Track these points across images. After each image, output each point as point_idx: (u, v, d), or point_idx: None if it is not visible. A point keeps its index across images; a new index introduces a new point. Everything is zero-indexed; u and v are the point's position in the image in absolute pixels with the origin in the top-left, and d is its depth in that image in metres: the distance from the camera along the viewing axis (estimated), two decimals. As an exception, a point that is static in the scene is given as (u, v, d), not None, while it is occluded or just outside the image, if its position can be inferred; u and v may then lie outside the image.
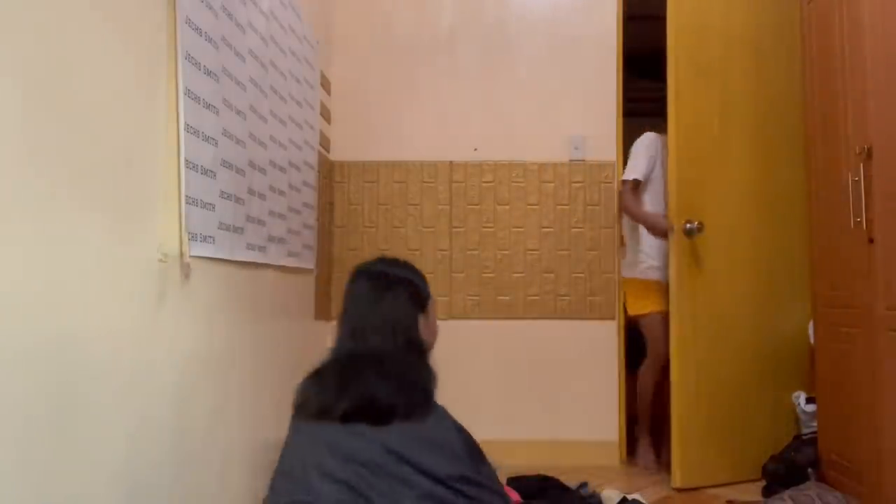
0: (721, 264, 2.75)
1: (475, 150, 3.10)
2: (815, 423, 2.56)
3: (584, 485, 2.53)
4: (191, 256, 1.47)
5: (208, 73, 1.59)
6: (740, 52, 2.88)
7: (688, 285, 2.68)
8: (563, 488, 2.36)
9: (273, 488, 1.31)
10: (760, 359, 2.79)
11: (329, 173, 3.05)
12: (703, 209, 2.70)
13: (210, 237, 1.60)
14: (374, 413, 1.24)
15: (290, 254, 2.34)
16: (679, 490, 2.60)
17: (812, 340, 2.60)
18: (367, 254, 3.04)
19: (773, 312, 2.82)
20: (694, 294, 2.69)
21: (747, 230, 2.81)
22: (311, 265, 2.64)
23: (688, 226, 2.64)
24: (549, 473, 2.48)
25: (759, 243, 2.83)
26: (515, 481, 2.34)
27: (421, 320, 1.43)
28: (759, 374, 2.78)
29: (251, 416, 1.92)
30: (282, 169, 2.23)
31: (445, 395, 3.33)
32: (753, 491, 2.55)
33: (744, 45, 2.89)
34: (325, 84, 2.99)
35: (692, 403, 2.63)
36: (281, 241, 2.21)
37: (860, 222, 2.09)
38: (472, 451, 1.30)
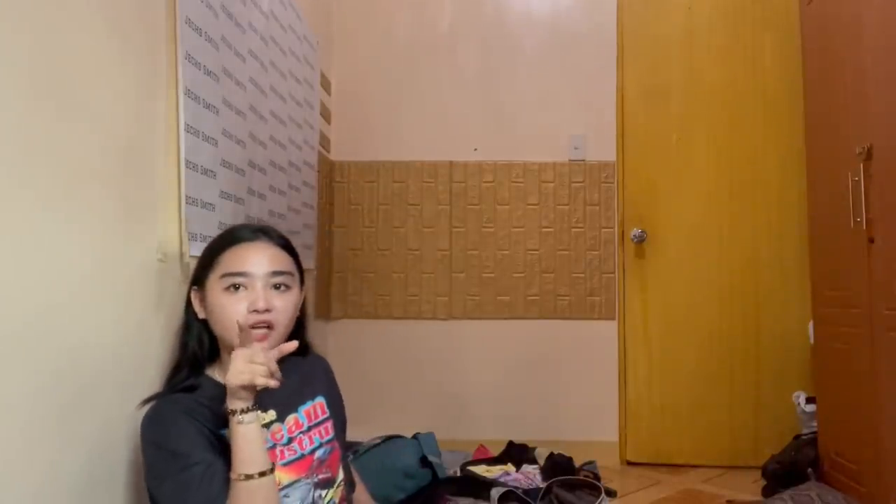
0: (682, 264, 2.99)
1: (475, 150, 3.10)
2: (815, 423, 2.56)
3: (590, 462, 2.70)
4: (191, 256, 1.47)
5: (208, 73, 1.59)
6: (704, 60, 3.04)
7: (637, 286, 3.01)
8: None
9: None
10: (730, 351, 2.94)
11: (329, 173, 3.05)
12: (655, 217, 3.01)
13: (210, 237, 1.59)
14: None
15: (290, 254, 2.33)
16: (631, 464, 2.93)
17: (812, 340, 2.60)
18: (367, 254, 3.05)
19: (753, 307, 2.95)
20: (644, 293, 3.01)
21: (715, 230, 2.98)
22: (310, 265, 2.63)
23: (634, 233, 2.99)
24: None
25: (730, 242, 2.97)
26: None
27: (194, 299, 1.29)
28: (727, 365, 2.94)
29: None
30: (282, 169, 2.23)
31: (446, 394, 3.31)
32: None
33: (709, 51, 3.04)
34: (325, 84, 2.99)
35: (643, 391, 2.98)
36: (281, 241, 2.21)
37: (860, 222, 2.09)
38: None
